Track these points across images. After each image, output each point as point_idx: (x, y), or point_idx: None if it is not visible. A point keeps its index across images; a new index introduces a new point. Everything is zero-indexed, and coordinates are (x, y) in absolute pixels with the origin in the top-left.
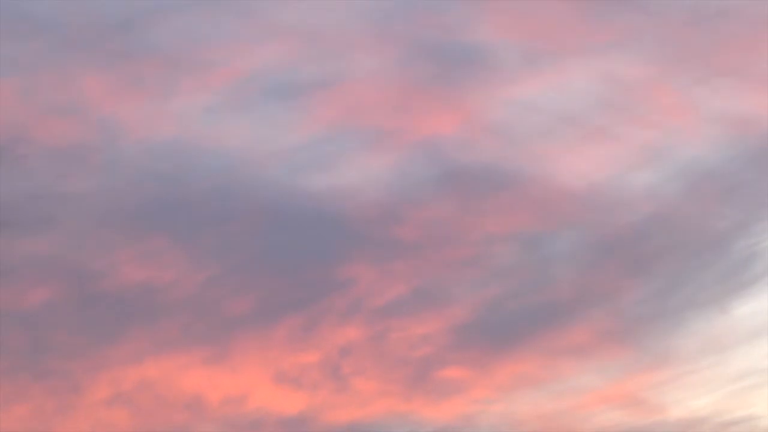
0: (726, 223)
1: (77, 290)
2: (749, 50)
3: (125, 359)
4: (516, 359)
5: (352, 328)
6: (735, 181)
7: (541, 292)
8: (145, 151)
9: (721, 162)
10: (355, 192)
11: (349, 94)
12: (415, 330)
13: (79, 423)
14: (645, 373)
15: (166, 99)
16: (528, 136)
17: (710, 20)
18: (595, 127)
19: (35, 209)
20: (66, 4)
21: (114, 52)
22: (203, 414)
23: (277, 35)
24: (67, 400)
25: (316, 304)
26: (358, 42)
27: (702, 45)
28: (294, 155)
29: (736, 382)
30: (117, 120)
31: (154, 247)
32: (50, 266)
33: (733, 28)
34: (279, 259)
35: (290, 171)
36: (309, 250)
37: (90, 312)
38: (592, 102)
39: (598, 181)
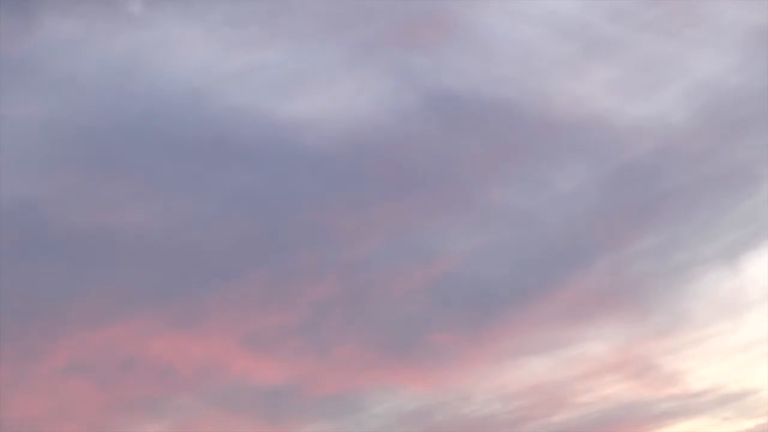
0: (747, 156)
1: (25, 237)
2: None
3: (84, 321)
4: (510, 323)
5: (328, 284)
6: (759, 107)
7: (537, 241)
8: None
9: (743, 82)
10: (328, 121)
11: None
12: (397, 287)
13: (36, 395)
14: (651, 339)
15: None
16: (519, 51)
17: None
18: (595, 40)
19: None
20: None
21: None
22: (177, 385)
23: None
24: (21, 369)
25: (288, 255)
26: None
27: None
28: (256, 76)
29: (748, 350)
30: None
31: (107, 185)
32: None
33: None
34: (244, 204)
35: (252, 95)
36: (277, 193)
37: (42, 263)
38: (590, 9)
39: (600, 108)
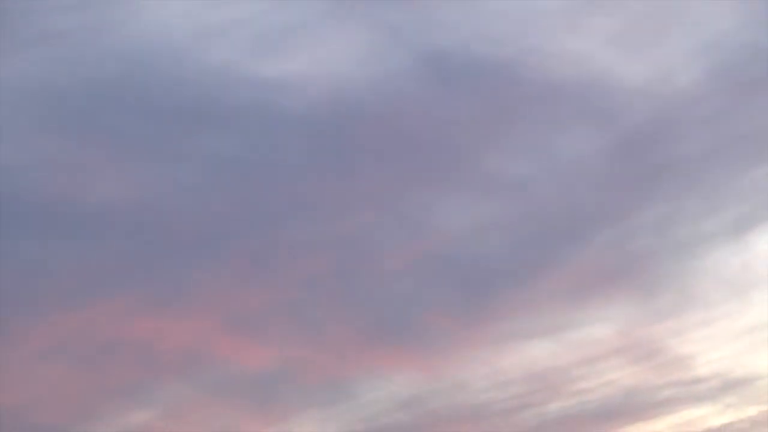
0: (758, 121)
1: None
2: None
3: (61, 301)
4: (507, 303)
5: (316, 260)
6: None
7: (535, 214)
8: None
9: (756, 39)
10: (311, 82)
11: None
12: (388, 263)
13: (12, 381)
14: (655, 321)
15: None
16: (513, 4)
17: None
18: None
19: None
20: None
21: None
22: (161, 369)
23: None
24: None
25: (273, 228)
26: None
27: None
28: (235, 32)
29: (754, 333)
30: None
31: (79, 152)
32: None
33: None
34: (225, 173)
35: (231, 53)
36: (259, 161)
37: (11, 238)
38: None
39: (601, 67)
